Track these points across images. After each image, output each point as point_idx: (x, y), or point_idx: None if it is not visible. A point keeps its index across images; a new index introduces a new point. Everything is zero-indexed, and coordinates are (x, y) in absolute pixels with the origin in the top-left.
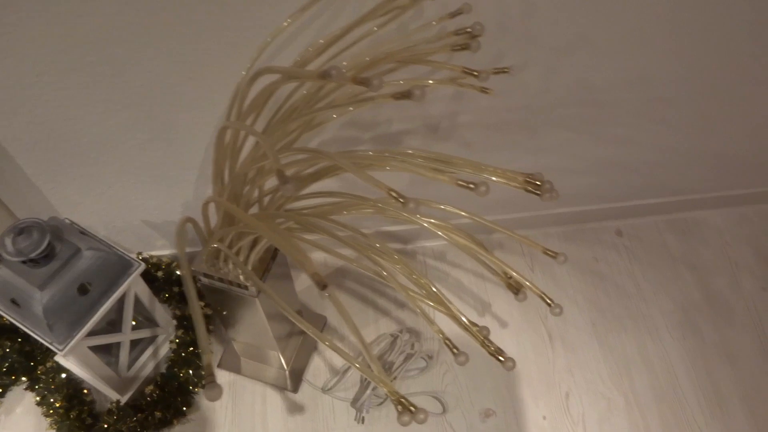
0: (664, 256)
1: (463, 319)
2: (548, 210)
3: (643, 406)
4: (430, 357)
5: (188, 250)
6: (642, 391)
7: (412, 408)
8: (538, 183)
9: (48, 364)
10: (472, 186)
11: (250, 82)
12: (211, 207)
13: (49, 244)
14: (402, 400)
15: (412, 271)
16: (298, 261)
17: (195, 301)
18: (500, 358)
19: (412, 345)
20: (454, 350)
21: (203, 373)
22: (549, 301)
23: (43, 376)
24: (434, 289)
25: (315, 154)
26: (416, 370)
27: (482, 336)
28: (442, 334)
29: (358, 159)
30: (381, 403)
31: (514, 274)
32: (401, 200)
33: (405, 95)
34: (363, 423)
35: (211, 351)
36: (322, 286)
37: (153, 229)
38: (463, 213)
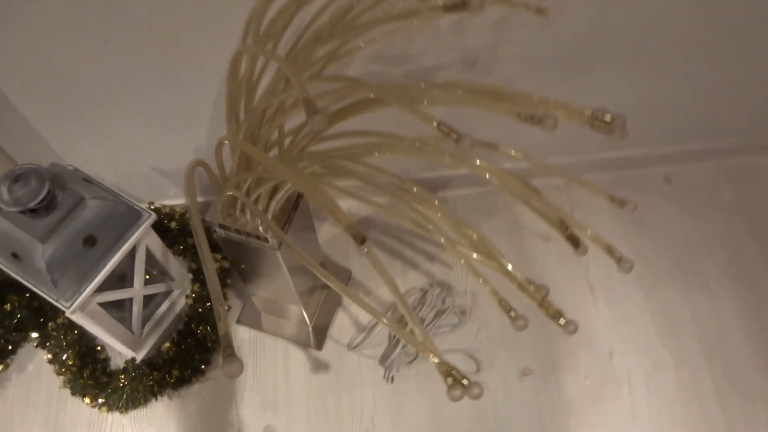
0: (716, 205)
1: (518, 276)
2: (590, 155)
3: (693, 365)
4: (463, 312)
5: (201, 199)
6: (692, 349)
7: (464, 381)
8: (606, 120)
9: (59, 320)
10: (537, 119)
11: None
12: (226, 151)
13: (50, 193)
14: (453, 371)
15: (458, 222)
16: (330, 211)
17: (210, 261)
18: (560, 321)
19: (444, 300)
20: (511, 313)
21: (220, 337)
22: (619, 256)
23: (54, 333)
24: (486, 243)
25: (350, 83)
26: (448, 326)
27: (541, 296)
28: (498, 294)
29: (397, 90)
30: (411, 362)
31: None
32: (454, 136)
33: (460, 5)
34: (392, 382)
35: (228, 315)
36: (361, 240)
37: (164, 176)
38: (518, 155)
